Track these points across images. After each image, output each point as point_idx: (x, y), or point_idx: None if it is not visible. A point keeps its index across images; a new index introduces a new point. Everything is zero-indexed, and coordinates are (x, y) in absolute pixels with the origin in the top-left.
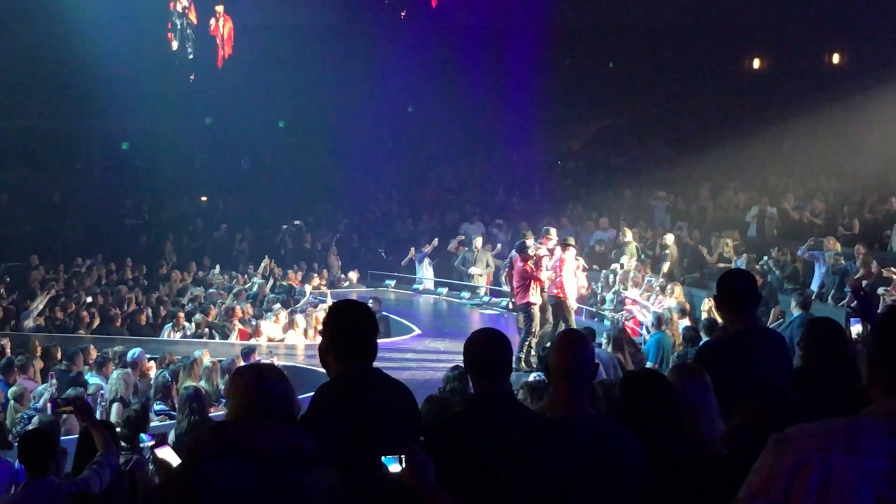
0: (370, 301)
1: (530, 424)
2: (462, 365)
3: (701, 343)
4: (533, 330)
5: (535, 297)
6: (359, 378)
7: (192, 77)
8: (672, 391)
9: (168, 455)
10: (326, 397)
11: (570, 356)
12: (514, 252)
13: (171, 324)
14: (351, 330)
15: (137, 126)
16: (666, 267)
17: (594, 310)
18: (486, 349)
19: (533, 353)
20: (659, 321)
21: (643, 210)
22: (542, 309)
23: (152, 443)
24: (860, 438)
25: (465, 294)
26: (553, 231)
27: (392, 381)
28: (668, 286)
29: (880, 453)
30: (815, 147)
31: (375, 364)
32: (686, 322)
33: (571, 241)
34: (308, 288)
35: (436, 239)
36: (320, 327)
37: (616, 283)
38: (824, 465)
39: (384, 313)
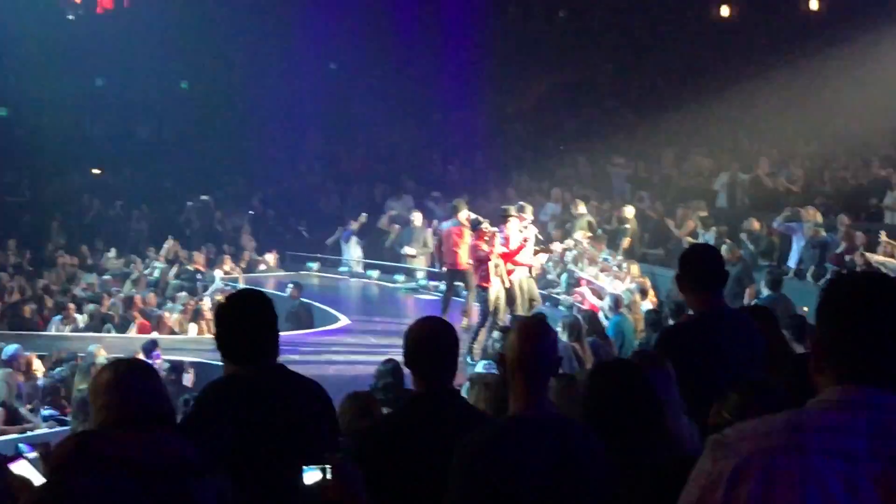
0: (289, 287)
1: (483, 425)
2: (396, 359)
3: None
4: (489, 320)
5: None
6: (253, 376)
7: (70, 17)
8: (648, 386)
9: (26, 471)
10: (211, 398)
11: (530, 347)
12: (444, 224)
13: (59, 316)
14: (240, 325)
15: (17, 88)
16: (625, 242)
17: (545, 293)
18: (430, 341)
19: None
20: (616, 303)
21: (600, 179)
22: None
23: (33, 454)
24: (807, 436)
25: (400, 277)
26: (529, 209)
27: (299, 379)
28: (624, 264)
29: (832, 451)
30: (792, 106)
31: (298, 358)
32: (648, 305)
33: (513, 210)
34: (218, 273)
35: (364, 214)
36: None
37: (569, 262)
38: (766, 469)
39: (305, 301)
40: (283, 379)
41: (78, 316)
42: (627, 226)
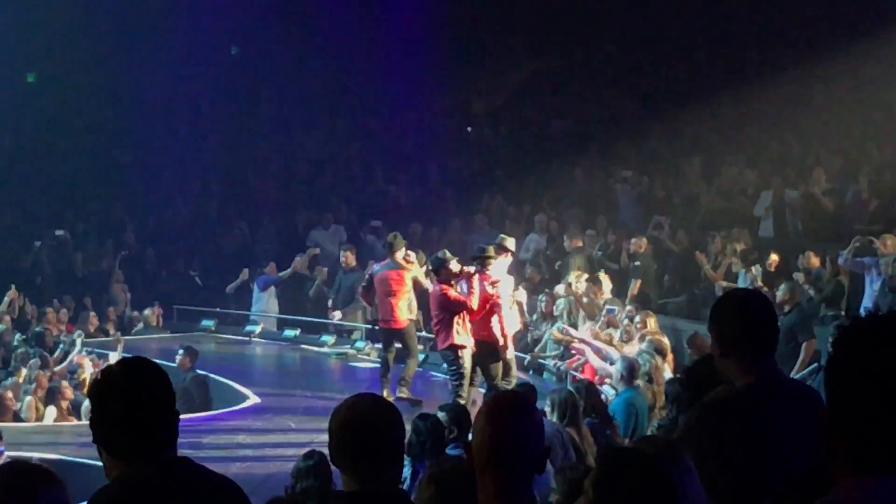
0: (179, 354)
1: None
2: (321, 451)
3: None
4: (463, 383)
5: (462, 336)
6: (152, 478)
7: None
8: (670, 487)
9: None
10: None
11: (505, 432)
12: (376, 266)
13: None
14: (128, 408)
15: None
16: (634, 287)
17: (528, 356)
18: (364, 427)
19: None
20: (631, 372)
21: (601, 199)
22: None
23: None
24: None
25: (329, 339)
26: (511, 241)
27: (210, 477)
28: (637, 317)
29: None
30: (858, 100)
31: (190, 452)
32: (668, 371)
33: (492, 250)
34: (78, 337)
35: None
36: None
37: (562, 315)
38: None
39: (200, 373)
40: (191, 479)
41: None
42: (639, 263)
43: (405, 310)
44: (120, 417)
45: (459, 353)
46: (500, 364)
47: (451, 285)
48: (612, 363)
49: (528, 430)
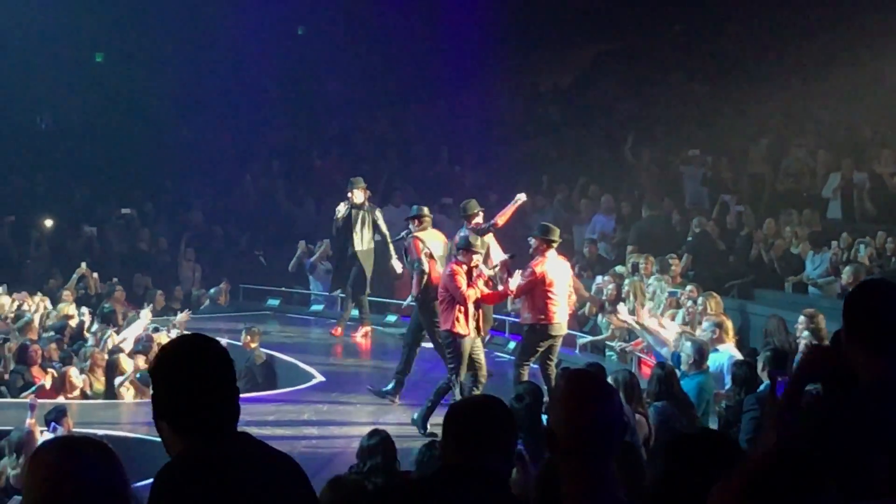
0: (244, 333)
1: None
2: (384, 430)
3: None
4: (456, 376)
5: (461, 325)
6: (215, 456)
7: None
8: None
9: None
10: (168, 491)
11: (587, 417)
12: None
13: None
14: (190, 384)
15: None
16: (678, 265)
17: (589, 337)
18: (481, 416)
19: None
20: (701, 355)
21: (667, 180)
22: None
23: None
24: None
25: (392, 318)
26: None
27: (271, 453)
28: (700, 298)
29: None
30: None
31: (256, 431)
32: (729, 351)
33: (555, 235)
34: (146, 314)
35: (326, 241)
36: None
37: (628, 296)
38: None
39: (265, 352)
40: (252, 455)
41: None
42: (690, 239)
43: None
44: (183, 392)
45: (456, 341)
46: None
47: (461, 268)
48: (665, 348)
49: (610, 414)
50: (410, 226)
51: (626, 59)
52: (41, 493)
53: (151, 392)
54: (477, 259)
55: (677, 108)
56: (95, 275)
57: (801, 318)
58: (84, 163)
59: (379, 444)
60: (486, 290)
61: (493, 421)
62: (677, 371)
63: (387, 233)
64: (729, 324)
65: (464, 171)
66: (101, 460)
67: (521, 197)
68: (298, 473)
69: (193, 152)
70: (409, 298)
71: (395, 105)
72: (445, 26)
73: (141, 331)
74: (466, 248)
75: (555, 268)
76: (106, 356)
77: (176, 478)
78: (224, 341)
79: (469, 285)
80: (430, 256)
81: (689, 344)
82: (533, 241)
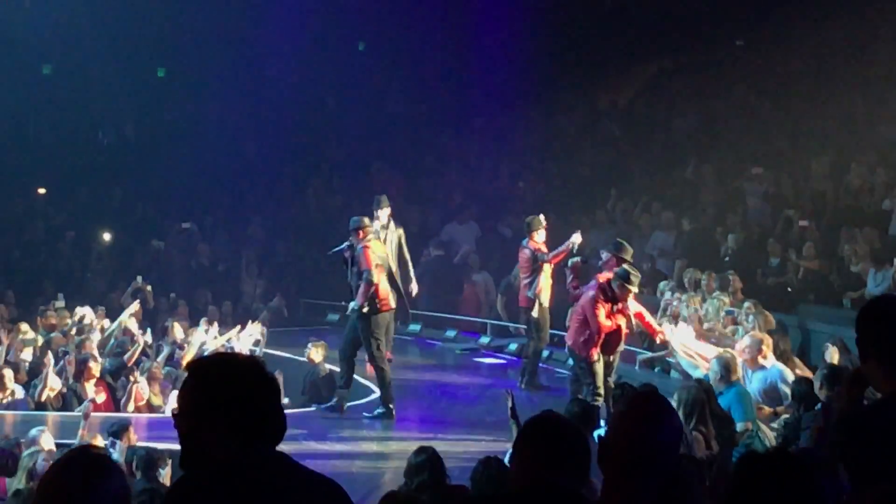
0: (308, 348)
1: None
2: (430, 447)
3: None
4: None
5: (595, 350)
6: (258, 467)
7: None
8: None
9: None
10: (195, 496)
11: (646, 436)
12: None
13: None
14: (248, 394)
15: None
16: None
17: (647, 354)
18: (554, 435)
19: None
20: (728, 369)
21: (729, 197)
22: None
23: None
24: None
25: (451, 333)
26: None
27: (310, 476)
28: (751, 316)
29: None
30: None
31: (315, 444)
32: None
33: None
34: (205, 330)
35: None
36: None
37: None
38: None
39: (328, 367)
40: (292, 476)
41: (16, 387)
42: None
43: (531, 290)
44: (235, 403)
45: (591, 363)
46: None
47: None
48: (698, 370)
49: (669, 434)
50: (352, 238)
51: (686, 73)
52: None
53: (191, 400)
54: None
55: (739, 123)
56: (149, 287)
57: (829, 345)
58: (145, 177)
59: (426, 462)
60: (622, 324)
61: (565, 440)
62: None
63: (408, 256)
64: (769, 340)
65: (523, 187)
66: (114, 479)
67: (576, 239)
68: (338, 497)
69: (254, 167)
70: (353, 306)
71: (456, 120)
72: (506, 43)
73: (202, 344)
74: (624, 282)
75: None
76: (163, 370)
77: (207, 485)
78: (286, 355)
79: (608, 316)
80: (379, 267)
81: (715, 361)
82: (604, 255)
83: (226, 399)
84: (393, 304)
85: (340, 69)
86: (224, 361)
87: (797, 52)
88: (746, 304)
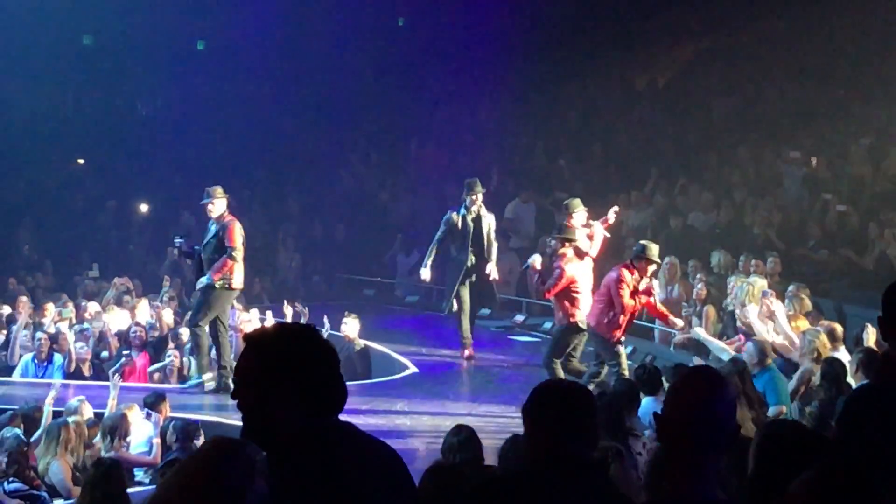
0: (344, 323)
1: None
2: (467, 426)
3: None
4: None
5: (619, 331)
6: (333, 438)
7: None
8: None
9: None
10: (297, 472)
11: (700, 410)
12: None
13: (31, 356)
14: (316, 364)
15: None
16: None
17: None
18: (563, 406)
19: None
20: (764, 353)
21: (767, 179)
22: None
23: None
24: None
25: (520, 318)
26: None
27: (375, 443)
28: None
29: None
30: None
31: (342, 417)
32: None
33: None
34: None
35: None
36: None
37: (736, 297)
38: None
39: (363, 342)
40: (356, 441)
41: (56, 355)
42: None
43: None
44: (306, 374)
45: (611, 343)
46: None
47: (631, 276)
48: (726, 353)
49: (723, 409)
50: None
51: (726, 55)
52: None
53: (258, 373)
54: (652, 269)
55: (778, 106)
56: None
57: (868, 326)
58: (182, 150)
59: (465, 441)
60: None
61: (575, 406)
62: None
63: (494, 242)
64: (839, 330)
65: (563, 165)
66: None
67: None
68: (398, 461)
69: (290, 144)
70: (204, 279)
71: (494, 97)
72: (544, 21)
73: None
74: (639, 256)
75: (579, 268)
76: None
77: (298, 456)
78: (324, 330)
79: (632, 295)
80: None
81: (750, 344)
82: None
83: (296, 369)
84: (241, 285)
85: (380, 45)
86: (287, 332)
87: (838, 34)
88: (791, 287)
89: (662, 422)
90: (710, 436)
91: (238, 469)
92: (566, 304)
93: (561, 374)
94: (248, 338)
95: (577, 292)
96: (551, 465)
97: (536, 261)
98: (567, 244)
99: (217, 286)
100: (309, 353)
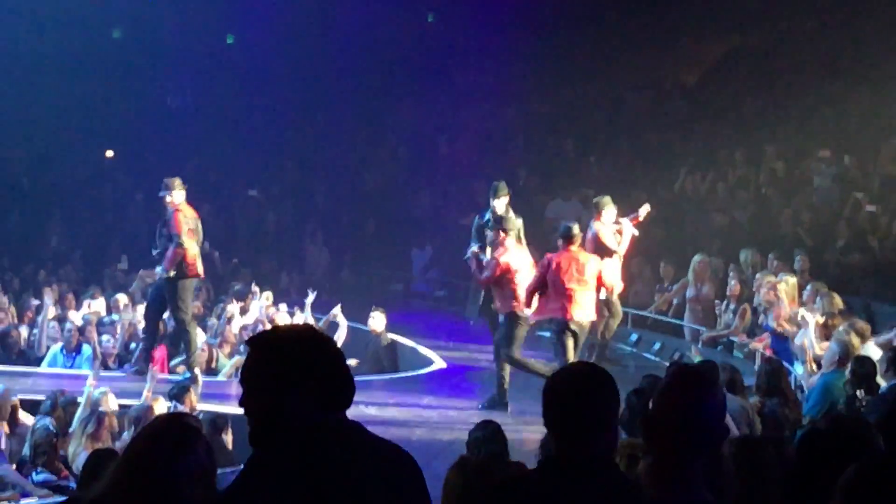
0: (371, 318)
1: None
2: (494, 421)
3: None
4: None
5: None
6: (333, 434)
7: None
8: None
9: None
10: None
11: (685, 410)
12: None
13: (60, 346)
14: (326, 362)
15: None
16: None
17: (711, 333)
18: (571, 392)
19: None
20: (846, 355)
21: (796, 179)
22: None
23: None
24: None
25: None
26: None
27: (383, 444)
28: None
29: None
30: None
31: (375, 412)
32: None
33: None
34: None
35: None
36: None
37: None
38: None
39: (390, 336)
40: (361, 441)
41: (84, 346)
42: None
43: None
44: (316, 370)
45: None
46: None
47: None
48: None
49: (710, 410)
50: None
51: (756, 54)
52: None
53: (271, 369)
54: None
55: (808, 104)
56: (217, 254)
57: None
58: (212, 143)
59: (491, 436)
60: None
61: (595, 396)
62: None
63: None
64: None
65: (593, 162)
66: (200, 443)
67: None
68: (411, 465)
69: (320, 137)
70: (159, 271)
71: (523, 94)
72: (575, 17)
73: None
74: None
75: (515, 257)
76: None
77: (287, 451)
78: (350, 324)
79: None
80: (191, 232)
81: (834, 343)
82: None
83: (311, 370)
84: (201, 271)
85: (409, 40)
86: (290, 333)
87: (869, 34)
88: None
89: (649, 423)
90: (696, 437)
91: (168, 440)
92: (503, 292)
93: (528, 363)
94: (252, 343)
95: (513, 281)
96: (567, 462)
97: (474, 250)
98: (504, 233)
99: (172, 276)
100: (320, 351)
